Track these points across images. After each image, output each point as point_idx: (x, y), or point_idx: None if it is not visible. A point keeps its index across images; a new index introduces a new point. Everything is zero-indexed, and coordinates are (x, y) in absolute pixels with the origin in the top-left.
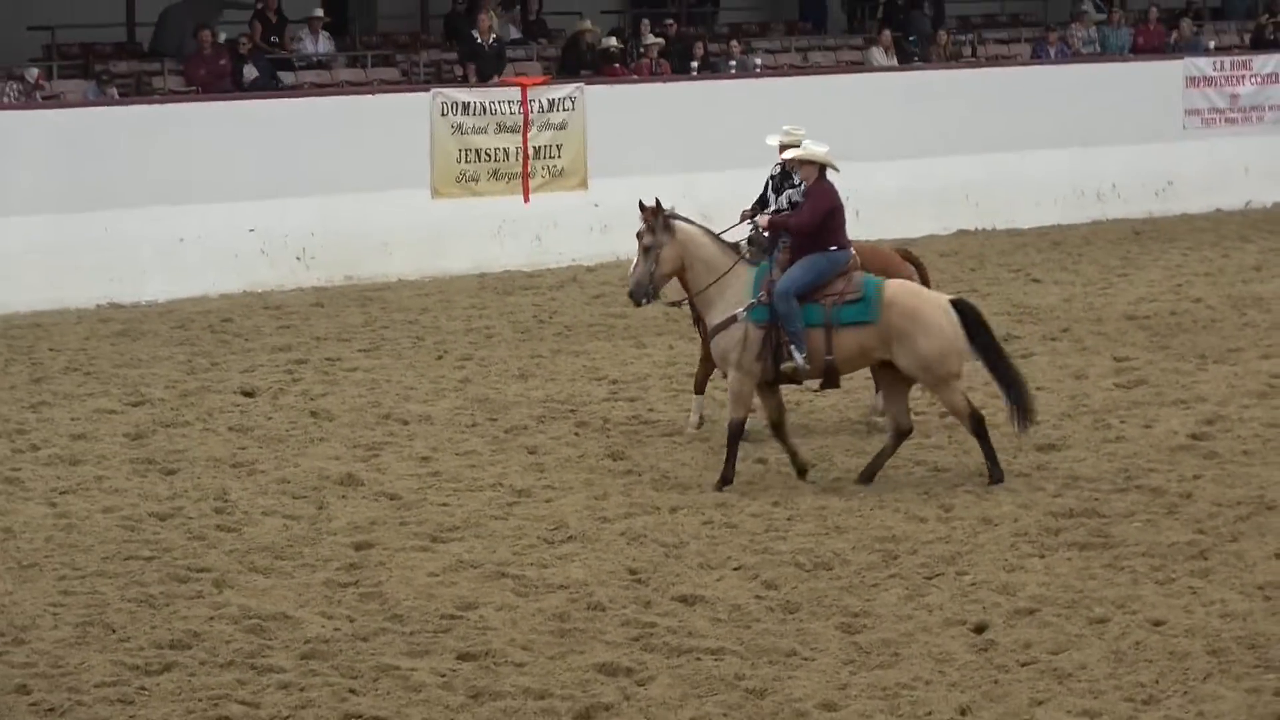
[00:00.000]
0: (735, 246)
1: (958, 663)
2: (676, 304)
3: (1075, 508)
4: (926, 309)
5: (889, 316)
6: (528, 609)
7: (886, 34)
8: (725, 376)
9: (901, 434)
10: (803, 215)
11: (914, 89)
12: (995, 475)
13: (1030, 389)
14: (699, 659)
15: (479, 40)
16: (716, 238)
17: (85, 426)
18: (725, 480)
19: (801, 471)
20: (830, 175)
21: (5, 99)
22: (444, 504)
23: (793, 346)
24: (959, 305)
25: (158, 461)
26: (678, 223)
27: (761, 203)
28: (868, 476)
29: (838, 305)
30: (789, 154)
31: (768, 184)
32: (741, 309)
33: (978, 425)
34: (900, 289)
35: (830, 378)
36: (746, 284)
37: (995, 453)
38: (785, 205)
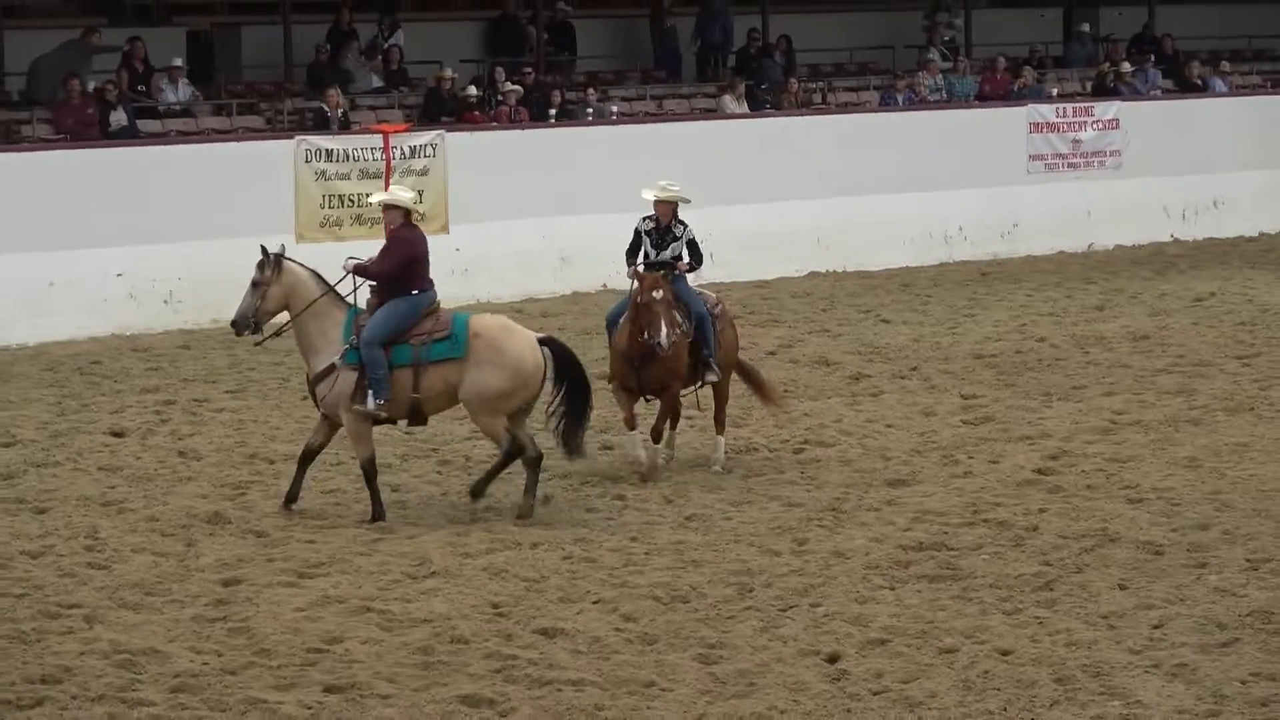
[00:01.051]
0: (337, 293)
1: (812, 692)
2: (264, 339)
3: (925, 541)
4: (511, 342)
5: (475, 347)
6: (393, 642)
7: (739, 82)
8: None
9: (516, 454)
10: (384, 263)
11: (766, 135)
12: (523, 510)
13: (584, 428)
14: (560, 690)
15: (328, 113)
16: (322, 281)
17: None
18: (377, 517)
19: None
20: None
21: None
22: (310, 540)
23: (370, 391)
24: (549, 343)
25: (29, 500)
26: (287, 264)
27: (638, 254)
28: (477, 491)
29: (426, 344)
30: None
31: (642, 237)
32: (337, 357)
33: (520, 457)
34: (490, 323)
35: (415, 415)
36: (342, 328)
37: (534, 487)
38: (669, 257)
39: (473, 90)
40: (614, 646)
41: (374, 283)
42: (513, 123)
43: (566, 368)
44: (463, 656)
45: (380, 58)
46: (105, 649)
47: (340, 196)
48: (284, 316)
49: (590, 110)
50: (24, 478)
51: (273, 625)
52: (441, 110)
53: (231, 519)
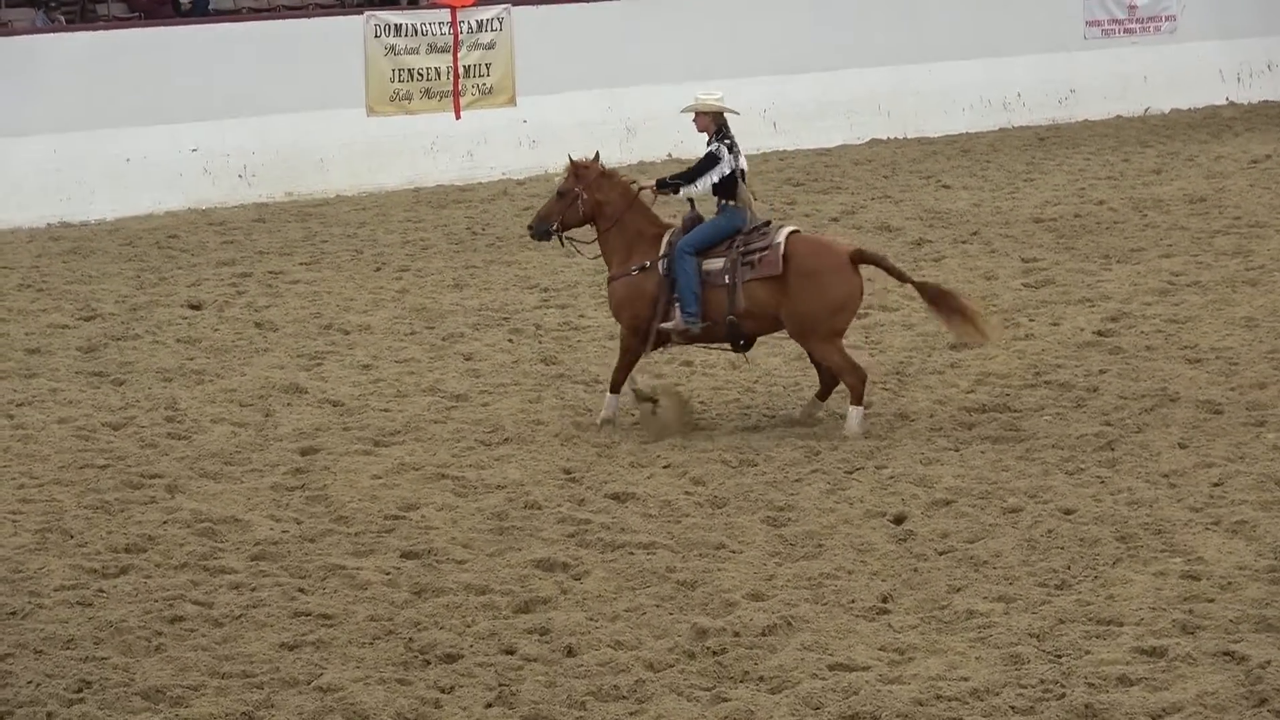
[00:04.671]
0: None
1: (878, 553)
2: None
3: (987, 403)
4: None
5: None
6: (467, 508)
7: None
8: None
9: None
10: None
11: (823, 4)
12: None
13: None
14: (632, 553)
15: None
16: None
17: (39, 341)
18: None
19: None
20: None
21: None
22: (385, 410)
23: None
24: None
25: (109, 373)
26: None
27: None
28: None
29: None
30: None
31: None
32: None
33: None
34: None
35: None
36: None
37: None
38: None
39: None
40: (684, 510)
41: None
42: None
43: None
44: (536, 521)
45: None
46: (187, 518)
47: (409, 71)
48: None
49: None
50: (104, 351)
51: (350, 493)
52: None
53: (308, 389)
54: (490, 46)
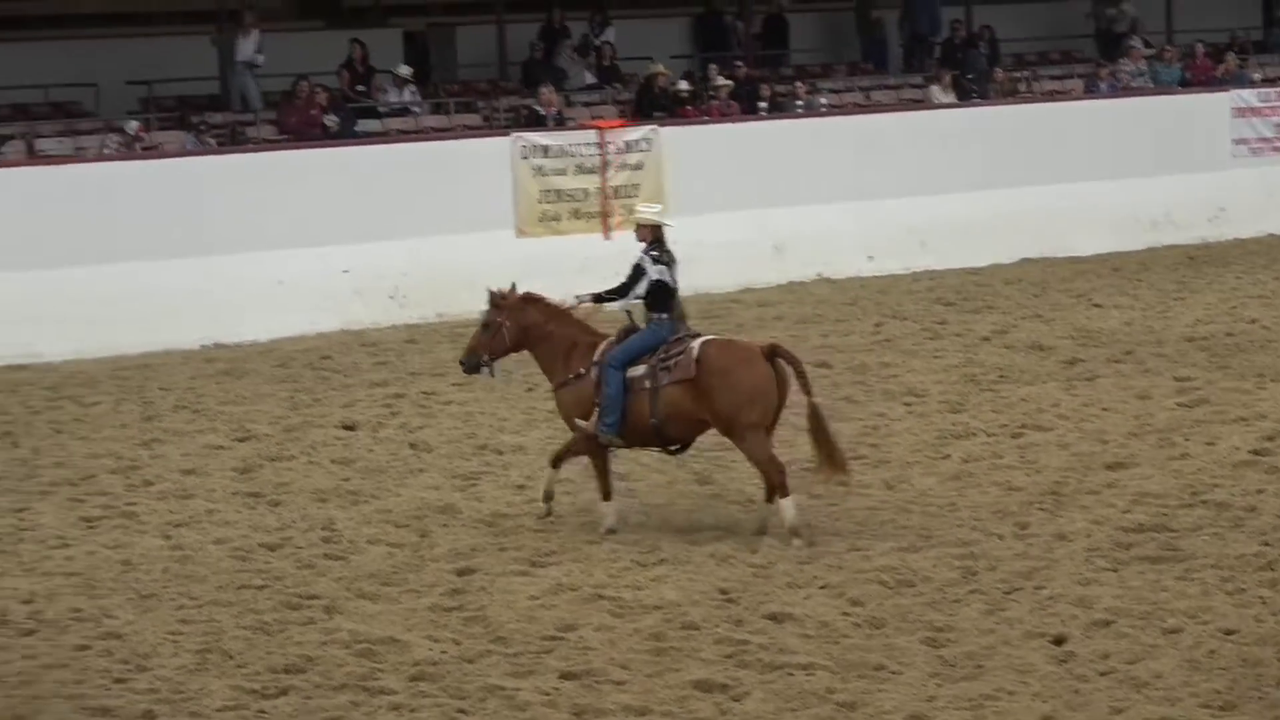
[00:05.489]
0: None
1: (1039, 673)
2: None
3: (1145, 523)
4: None
5: None
6: (625, 629)
7: (946, 72)
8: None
9: None
10: None
11: (974, 124)
12: None
13: None
14: (791, 674)
15: (542, 113)
16: None
17: (195, 462)
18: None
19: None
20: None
21: (107, 150)
22: (540, 530)
23: None
24: None
25: (265, 494)
26: None
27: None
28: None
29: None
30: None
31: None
32: None
33: None
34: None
35: None
36: None
37: None
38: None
39: (684, 85)
40: (842, 630)
41: None
42: (724, 116)
43: None
44: (694, 642)
45: (593, 55)
46: (345, 638)
47: (558, 191)
48: None
49: (800, 103)
50: (260, 472)
51: (508, 613)
52: (654, 105)
53: (463, 509)
54: (638, 167)
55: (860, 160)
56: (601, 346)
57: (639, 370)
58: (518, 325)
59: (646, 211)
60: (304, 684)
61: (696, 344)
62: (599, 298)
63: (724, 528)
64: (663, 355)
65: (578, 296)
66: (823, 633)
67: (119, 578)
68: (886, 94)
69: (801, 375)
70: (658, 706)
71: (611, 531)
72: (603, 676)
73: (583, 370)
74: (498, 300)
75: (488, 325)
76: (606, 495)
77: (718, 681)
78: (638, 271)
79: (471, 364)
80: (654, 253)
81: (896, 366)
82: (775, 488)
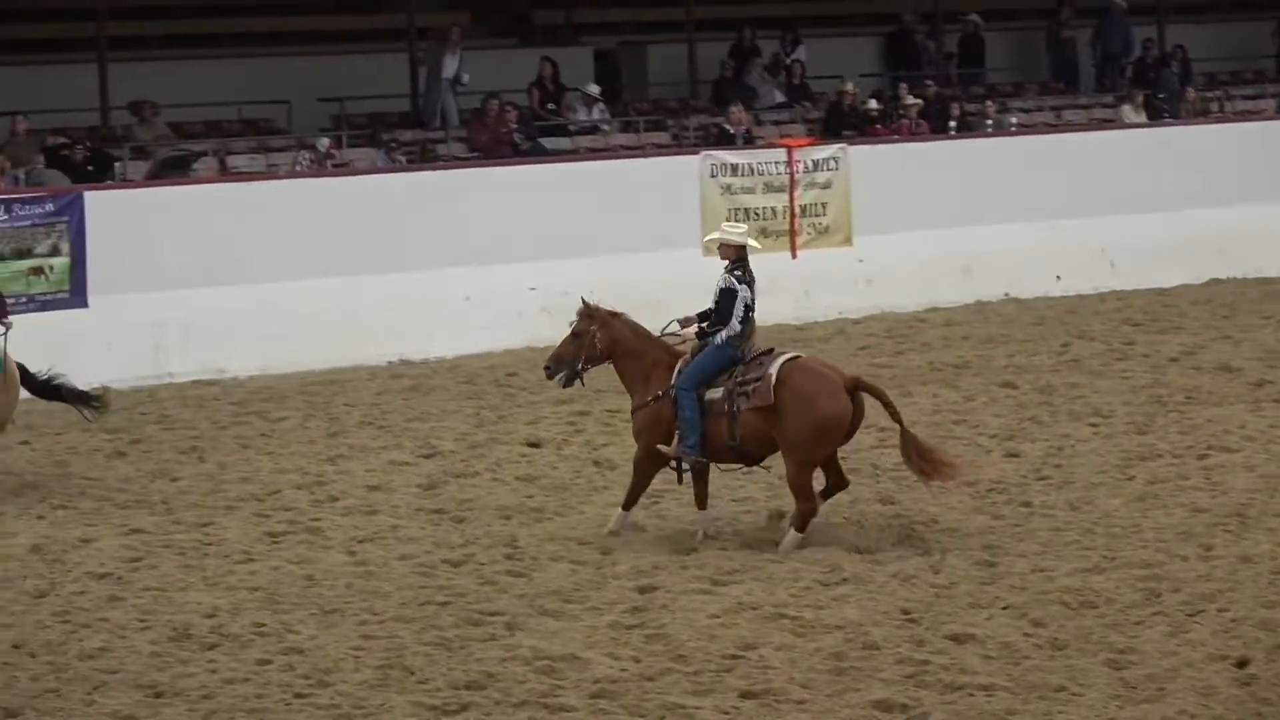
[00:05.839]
0: None
1: (1221, 696)
2: None
3: None
4: None
5: None
6: (806, 648)
7: (1138, 92)
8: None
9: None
10: None
11: (1165, 144)
12: None
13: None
14: (972, 695)
15: (731, 132)
16: None
17: (380, 478)
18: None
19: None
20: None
21: (299, 168)
22: (723, 548)
23: None
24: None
25: (449, 510)
26: None
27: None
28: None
29: None
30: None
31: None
32: None
33: None
34: None
35: None
36: None
37: None
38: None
39: (874, 104)
40: (1023, 651)
41: None
42: (914, 135)
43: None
44: (874, 662)
45: (783, 73)
46: (526, 655)
47: (746, 210)
48: None
49: (990, 122)
50: (445, 488)
51: (688, 632)
52: (843, 124)
53: (646, 527)
54: (826, 186)
55: (1050, 180)
56: (678, 366)
57: (716, 394)
58: (609, 337)
59: (732, 231)
60: (484, 700)
61: (775, 367)
62: (703, 334)
63: (906, 548)
64: (740, 379)
65: (680, 322)
66: (1004, 654)
67: (302, 593)
68: (1077, 113)
69: (889, 406)
70: None
71: (614, 534)
72: (783, 696)
73: (660, 393)
74: (590, 310)
75: (579, 334)
76: (628, 506)
77: (898, 702)
78: (729, 295)
79: (557, 371)
80: (737, 273)
81: (1083, 387)
82: (801, 522)
